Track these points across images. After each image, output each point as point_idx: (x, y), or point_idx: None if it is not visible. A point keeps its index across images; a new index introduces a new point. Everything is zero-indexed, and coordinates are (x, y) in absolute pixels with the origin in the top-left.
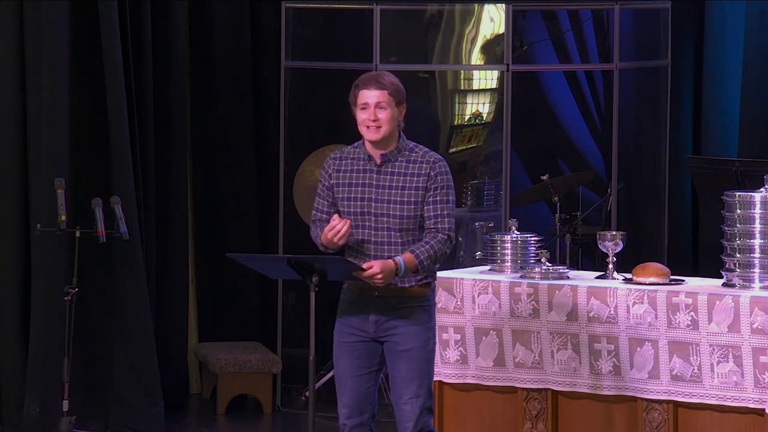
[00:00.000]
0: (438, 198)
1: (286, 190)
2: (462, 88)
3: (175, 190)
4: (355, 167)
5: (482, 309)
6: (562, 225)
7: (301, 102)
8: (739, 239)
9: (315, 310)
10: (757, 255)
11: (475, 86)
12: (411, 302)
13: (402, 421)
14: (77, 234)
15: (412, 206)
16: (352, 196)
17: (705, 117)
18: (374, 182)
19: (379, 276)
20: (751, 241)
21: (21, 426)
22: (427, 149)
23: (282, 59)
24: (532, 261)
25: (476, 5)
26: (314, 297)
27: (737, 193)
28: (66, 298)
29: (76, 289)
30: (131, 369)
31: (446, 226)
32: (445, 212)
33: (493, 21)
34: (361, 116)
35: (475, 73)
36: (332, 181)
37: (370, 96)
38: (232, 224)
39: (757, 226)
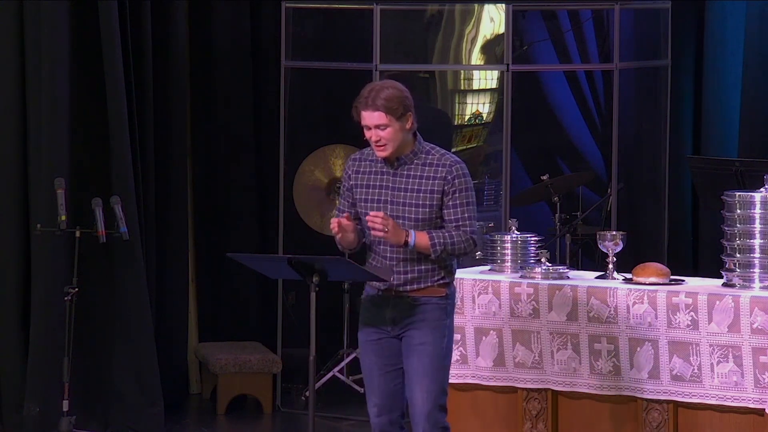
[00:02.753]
0: (458, 201)
1: (286, 190)
2: (462, 88)
3: (175, 190)
4: (372, 169)
5: (482, 309)
6: (562, 225)
7: (301, 102)
8: (739, 239)
9: (315, 310)
10: (757, 255)
11: (475, 86)
12: (427, 301)
13: (414, 415)
14: (77, 234)
15: (428, 209)
16: (369, 197)
17: (705, 117)
18: (390, 184)
19: (383, 223)
20: (751, 241)
21: (21, 426)
22: (444, 151)
23: (282, 59)
24: (532, 261)
25: (476, 5)
26: (314, 297)
27: (737, 193)
28: (66, 298)
29: (76, 289)
30: (131, 369)
31: (468, 228)
32: (467, 215)
33: (493, 21)
34: (367, 135)
35: (475, 73)
36: (351, 182)
37: (368, 118)
38: (232, 224)
39: (757, 226)
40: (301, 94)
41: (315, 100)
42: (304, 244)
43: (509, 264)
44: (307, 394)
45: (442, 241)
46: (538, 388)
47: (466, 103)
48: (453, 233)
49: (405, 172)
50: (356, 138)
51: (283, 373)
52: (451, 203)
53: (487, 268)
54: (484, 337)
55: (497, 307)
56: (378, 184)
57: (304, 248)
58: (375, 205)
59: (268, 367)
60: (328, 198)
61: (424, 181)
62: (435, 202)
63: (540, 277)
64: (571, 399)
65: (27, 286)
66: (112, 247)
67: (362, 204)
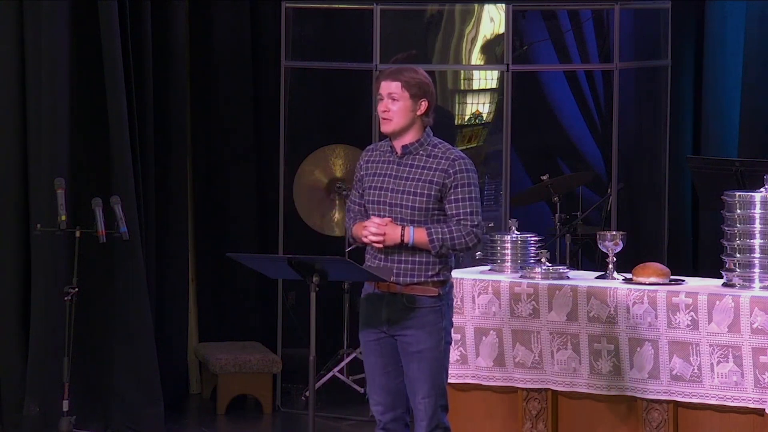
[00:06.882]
0: (460, 196)
1: (286, 190)
2: (462, 88)
3: (175, 190)
4: (381, 158)
5: (482, 309)
6: (562, 225)
7: (301, 102)
8: (739, 239)
9: (315, 310)
10: (757, 255)
11: (475, 86)
12: (422, 302)
13: (417, 419)
14: (77, 234)
15: (425, 198)
16: (373, 185)
17: (705, 117)
18: (393, 173)
19: (377, 230)
20: (751, 241)
21: (21, 426)
22: (451, 147)
23: (282, 59)
24: (532, 261)
25: (476, 5)
26: (314, 297)
27: (737, 193)
28: (66, 298)
29: (76, 289)
30: (131, 369)
31: (469, 223)
32: (468, 210)
33: (493, 21)
34: (378, 108)
35: (475, 73)
36: (362, 172)
37: (385, 87)
38: (232, 224)
39: (757, 226)
40: (301, 94)
41: (315, 100)
42: (304, 244)
43: (509, 264)
44: (307, 394)
45: (440, 237)
46: (538, 388)
47: (466, 103)
48: (453, 228)
49: (409, 162)
50: (356, 138)
51: (283, 373)
52: (453, 197)
53: (487, 268)
54: (484, 337)
55: (497, 307)
56: (382, 172)
57: (304, 248)
58: (377, 192)
59: (268, 367)
60: (328, 198)
61: (425, 171)
62: (433, 193)
63: (540, 277)
64: (571, 399)
65: (27, 286)
66: (112, 247)
67: (367, 191)
